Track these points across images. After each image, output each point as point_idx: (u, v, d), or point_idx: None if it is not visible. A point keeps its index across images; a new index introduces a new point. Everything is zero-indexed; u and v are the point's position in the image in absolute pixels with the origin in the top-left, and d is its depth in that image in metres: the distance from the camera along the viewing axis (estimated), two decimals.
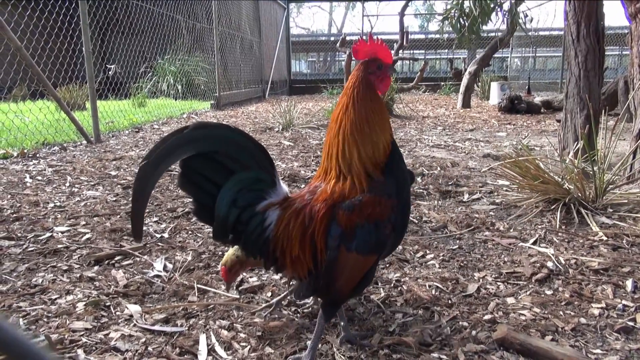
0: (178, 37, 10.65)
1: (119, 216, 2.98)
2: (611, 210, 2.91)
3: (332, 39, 29.37)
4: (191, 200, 1.45)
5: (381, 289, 2.02)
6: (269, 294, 1.99)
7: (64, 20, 6.53)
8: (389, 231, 1.36)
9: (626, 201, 3.00)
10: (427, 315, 1.80)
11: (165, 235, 2.67)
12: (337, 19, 46.15)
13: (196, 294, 1.98)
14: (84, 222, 2.85)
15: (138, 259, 2.34)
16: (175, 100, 10.64)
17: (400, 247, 2.47)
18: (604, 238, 2.51)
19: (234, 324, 1.73)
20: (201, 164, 1.39)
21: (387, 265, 2.26)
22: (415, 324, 1.73)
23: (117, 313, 1.83)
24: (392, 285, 2.05)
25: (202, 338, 1.64)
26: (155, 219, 2.95)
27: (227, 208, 1.38)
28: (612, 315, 1.78)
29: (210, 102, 10.48)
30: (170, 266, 2.26)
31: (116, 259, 2.35)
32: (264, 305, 1.88)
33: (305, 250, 1.37)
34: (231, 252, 1.70)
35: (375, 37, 1.39)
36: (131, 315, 1.80)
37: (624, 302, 1.86)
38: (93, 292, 1.99)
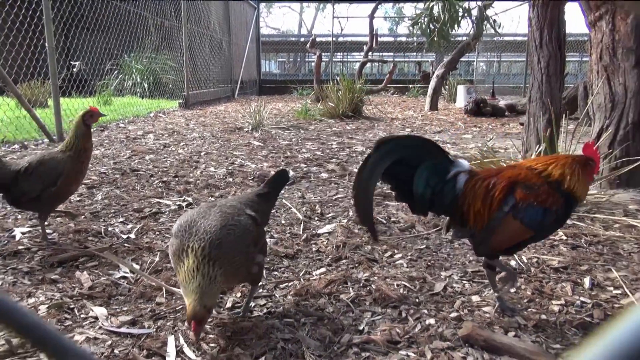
0: (145, 34, 10.44)
1: (83, 217, 2.91)
2: None
3: (302, 39, 29.38)
4: (391, 188, 1.86)
5: (350, 288, 2.04)
6: (239, 294, 1.99)
7: (26, 14, 6.31)
8: (551, 220, 1.68)
9: (585, 202, 3.12)
10: (396, 313, 1.83)
11: (132, 236, 2.63)
12: (307, 19, 46.28)
13: (164, 296, 1.95)
14: (45, 223, 2.77)
15: (103, 260, 2.29)
16: (142, 98, 10.44)
17: (369, 246, 2.50)
18: (564, 237, 2.61)
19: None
20: (394, 166, 1.76)
21: (357, 265, 2.28)
22: (383, 323, 1.75)
23: (82, 316, 1.79)
24: (361, 284, 2.08)
25: (171, 339, 1.62)
26: (121, 219, 2.90)
27: (423, 188, 1.75)
28: (571, 311, 1.85)
29: (178, 101, 10.33)
30: (137, 267, 2.22)
31: (80, 260, 2.29)
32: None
33: (485, 206, 1.71)
34: (193, 303, 1.47)
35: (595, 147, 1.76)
36: (96, 318, 1.77)
37: (582, 298, 1.93)
38: (56, 294, 1.94)
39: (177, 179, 3.89)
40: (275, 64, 34.48)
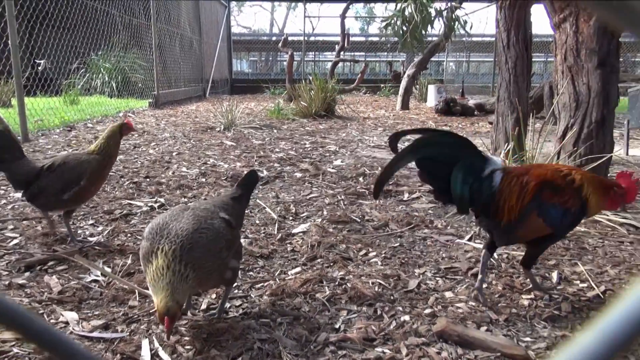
0: (114, 32, 10.22)
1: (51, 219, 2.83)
2: None
3: (274, 38, 29.29)
4: (431, 187, 1.94)
5: (326, 287, 2.05)
6: (214, 295, 1.97)
7: None
8: (568, 221, 1.82)
9: None
10: (371, 311, 1.85)
11: (103, 238, 2.57)
12: (279, 18, 46.12)
13: (137, 299, 1.92)
14: (11, 227, 2.69)
15: (73, 263, 2.24)
16: (111, 98, 10.22)
17: (344, 245, 2.51)
18: None
19: (178, 327, 1.70)
20: (430, 163, 1.89)
21: (332, 264, 2.29)
22: (359, 321, 1.77)
23: (52, 321, 1.74)
24: (337, 283, 2.09)
25: (145, 343, 1.60)
26: (91, 221, 2.83)
27: (460, 188, 1.83)
28: (540, 305, 1.90)
29: (148, 101, 10.16)
30: (109, 270, 2.18)
31: (49, 264, 2.23)
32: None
33: (518, 202, 1.81)
34: (165, 299, 1.45)
35: (633, 177, 1.83)
36: (67, 323, 1.73)
37: (550, 292, 1.99)
38: (24, 299, 1.88)
39: (148, 179, 3.83)
40: (247, 63, 34.25)
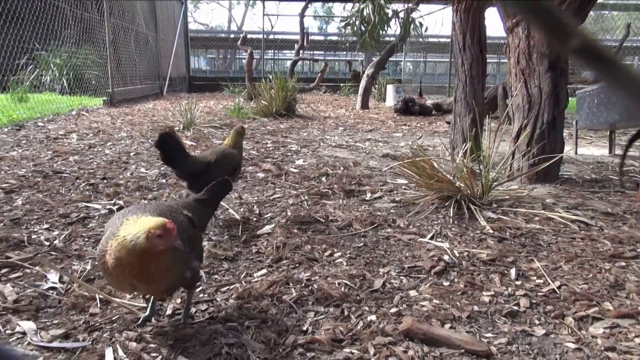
0: (64, 27, 9.82)
1: (2, 224, 2.70)
2: (495, 205, 3.21)
3: (232, 36, 28.92)
4: None
5: (292, 289, 2.05)
6: (179, 300, 1.94)
7: None
8: None
9: (508, 197, 3.34)
10: (338, 312, 1.87)
11: (59, 243, 2.48)
12: (237, 16, 45.59)
13: (98, 306, 1.86)
14: None
15: (28, 270, 2.14)
16: (62, 95, 9.81)
17: (309, 246, 2.52)
18: (491, 231, 2.78)
19: (143, 334, 1.66)
20: None
21: (297, 265, 2.30)
22: (327, 322, 1.78)
23: (8, 332, 1.67)
24: (303, 284, 2.10)
25: (109, 352, 1.55)
26: (46, 226, 2.72)
27: None
28: (500, 301, 1.97)
29: (102, 99, 9.82)
30: (66, 277, 2.10)
31: (2, 271, 2.13)
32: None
33: None
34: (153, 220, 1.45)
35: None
36: (24, 333, 1.66)
37: (509, 289, 2.07)
38: None
39: (105, 181, 3.71)
40: (205, 61, 33.68)
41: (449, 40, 16.09)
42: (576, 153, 5.42)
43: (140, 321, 1.73)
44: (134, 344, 1.61)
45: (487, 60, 4.94)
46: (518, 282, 2.14)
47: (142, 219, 1.46)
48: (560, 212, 3.03)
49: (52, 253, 2.35)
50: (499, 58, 23.75)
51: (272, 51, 26.71)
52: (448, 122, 7.03)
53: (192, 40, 21.47)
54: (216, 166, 2.78)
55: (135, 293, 1.85)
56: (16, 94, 8.50)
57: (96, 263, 1.56)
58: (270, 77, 9.04)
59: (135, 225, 1.43)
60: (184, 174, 2.76)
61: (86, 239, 2.56)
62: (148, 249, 1.39)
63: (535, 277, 2.19)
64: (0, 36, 7.66)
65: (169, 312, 1.85)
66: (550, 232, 2.76)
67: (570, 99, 4.65)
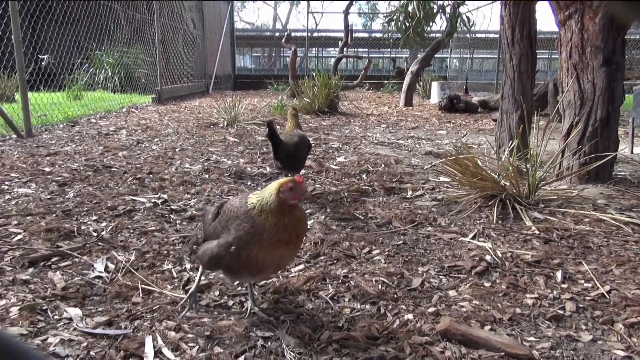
0: (116, 27, 10.21)
1: (54, 215, 2.83)
2: (542, 205, 3.09)
3: (277, 34, 29.22)
4: None
5: (329, 285, 2.05)
6: (217, 292, 1.97)
7: None
8: None
9: (556, 197, 3.21)
10: (374, 309, 1.85)
11: (106, 234, 2.57)
12: (282, 14, 45.99)
13: (140, 295, 1.92)
14: (15, 222, 2.69)
15: (77, 259, 2.24)
16: (114, 93, 10.22)
17: (347, 243, 2.51)
18: (536, 232, 2.67)
19: (182, 325, 1.70)
20: None
21: (335, 261, 2.29)
22: (362, 319, 1.77)
23: (55, 317, 1.74)
24: (340, 281, 2.08)
25: (148, 340, 1.60)
26: (94, 217, 2.83)
27: None
28: (544, 304, 1.89)
29: (151, 96, 10.16)
30: (112, 267, 2.18)
31: (53, 260, 2.23)
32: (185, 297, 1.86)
33: None
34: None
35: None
36: (71, 319, 1.73)
37: (554, 292, 1.98)
38: (28, 295, 1.88)
39: (151, 175, 3.83)
40: (250, 59, 34.21)
41: (497, 35, 15.62)
42: (632, 152, 5.14)
43: (248, 313, 1.79)
44: (172, 333, 1.64)
45: (537, 56, 4.75)
46: (564, 285, 2.05)
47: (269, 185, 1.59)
48: (612, 214, 2.88)
49: (100, 244, 2.44)
50: (550, 54, 22.86)
51: (316, 49, 26.79)
52: (494, 120, 6.83)
53: (238, 39, 21.85)
54: (300, 148, 3.31)
55: (263, 276, 1.85)
56: (72, 92, 8.91)
57: (232, 250, 1.62)
58: (314, 74, 9.07)
59: (264, 191, 1.59)
60: (279, 156, 3.26)
61: (131, 231, 2.65)
62: (281, 202, 1.53)
63: (583, 281, 2.09)
64: (58, 37, 8.05)
65: (205, 302, 1.89)
66: (601, 235, 2.63)
67: (626, 95, 4.42)
